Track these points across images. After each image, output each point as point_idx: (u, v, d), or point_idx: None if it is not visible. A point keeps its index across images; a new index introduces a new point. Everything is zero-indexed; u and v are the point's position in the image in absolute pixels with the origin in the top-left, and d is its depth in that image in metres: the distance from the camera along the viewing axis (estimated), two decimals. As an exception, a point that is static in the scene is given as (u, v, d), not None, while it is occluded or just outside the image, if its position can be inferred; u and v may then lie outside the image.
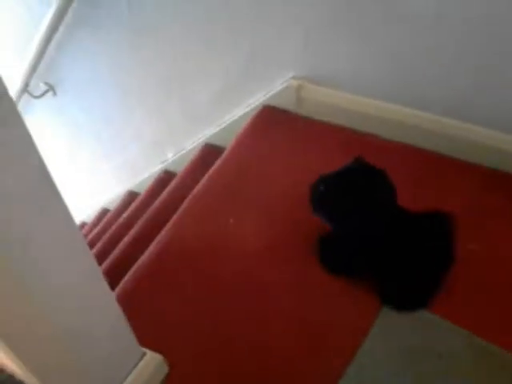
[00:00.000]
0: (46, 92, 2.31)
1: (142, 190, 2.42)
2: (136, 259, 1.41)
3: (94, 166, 2.74)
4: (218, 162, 1.58)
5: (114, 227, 2.13)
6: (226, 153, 1.62)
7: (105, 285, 0.84)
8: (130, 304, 1.21)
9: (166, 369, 1.08)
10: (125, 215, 2.19)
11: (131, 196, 2.54)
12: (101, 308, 0.87)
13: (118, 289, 1.27)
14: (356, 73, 1.49)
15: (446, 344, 1.11)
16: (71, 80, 2.28)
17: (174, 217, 1.43)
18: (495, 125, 1.31)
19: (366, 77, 1.47)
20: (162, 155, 2.26)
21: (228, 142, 1.85)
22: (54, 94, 2.33)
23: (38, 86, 2.30)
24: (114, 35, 1.93)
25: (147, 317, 1.21)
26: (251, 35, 1.58)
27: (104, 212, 2.85)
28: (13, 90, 2.32)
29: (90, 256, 0.78)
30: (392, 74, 1.41)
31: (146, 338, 1.07)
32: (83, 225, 3.12)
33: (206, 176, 1.54)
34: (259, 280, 1.25)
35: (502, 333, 1.09)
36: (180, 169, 2.14)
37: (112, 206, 2.73)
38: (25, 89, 2.29)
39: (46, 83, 2.30)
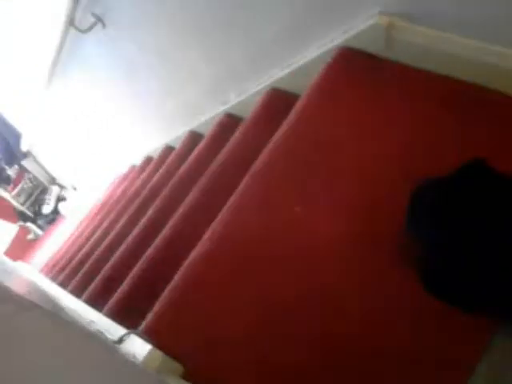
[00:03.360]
0: (94, 25, 2.05)
1: (204, 131, 2.19)
2: (187, 240, 1.22)
3: (152, 102, 2.50)
4: (284, 127, 1.28)
5: (173, 181, 1.94)
6: (293, 112, 1.32)
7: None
8: (177, 316, 1.05)
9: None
10: (185, 166, 1.98)
11: (193, 137, 2.32)
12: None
13: (164, 296, 1.08)
14: (463, 7, 1.08)
15: None
16: (120, 9, 2.00)
17: (231, 203, 1.19)
18: None
19: (476, 12, 1.06)
20: (223, 96, 1.98)
21: (297, 88, 1.55)
22: (103, 25, 2.07)
23: (86, 19, 2.04)
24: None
25: (197, 332, 1.02)
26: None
27: (168, 149, 2.68)
28: (59, 26, 2.09)
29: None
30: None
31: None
32: (149, 160, 2.99)
33: (269, 146, 1.26)
34: (334, 291, 1.01)
35: None
36: (244, 112, 1.87)
37: (175, 144, 2.55)
38: (71, 23, 2.05)
39: (94, 15, 2.03)
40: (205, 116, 2.19)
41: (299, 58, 1.51)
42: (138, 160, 3.21)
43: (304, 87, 1.38)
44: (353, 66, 1.32)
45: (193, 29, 1.76)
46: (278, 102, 1.64)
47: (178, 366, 0.95)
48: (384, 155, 1.14)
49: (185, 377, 0.95)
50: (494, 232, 0.79)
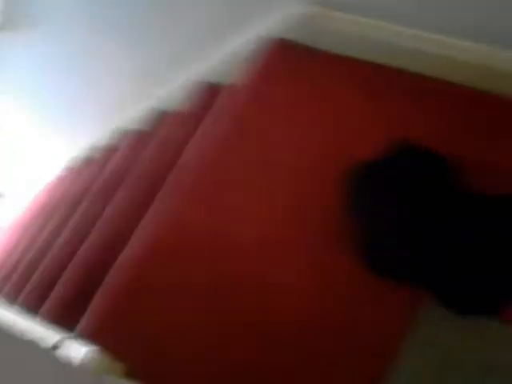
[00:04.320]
0: (7, 25, 1.96)
1: (133, 127, 2.15)
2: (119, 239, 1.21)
3: (74, 102, 2.43)
4: (211, 118, 1.29)
5: (99, 181, 1.91)
6: (220, 103, 1.33)
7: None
8: (112, 315, 1.04)
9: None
10: (112, 165, 1.95)
11: (122, 135, 2.27)
12: None
13: (97, 297, 1.07)
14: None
15: (502, 355, 0.91)
16: (38, 10, 1.92)
17: (159, 199, 1.19)
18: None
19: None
20: (148, 91, 1.96)
21: (225, 80, 1.55)
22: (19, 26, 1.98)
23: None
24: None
25: (135, 328, 1.02)
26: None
27: (98, 150, 2.61)
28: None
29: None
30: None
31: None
32: (79, 162, 2.91)
33: (197, 137, 1.27)
34: (266, 278, 1.04)
35: None
36: (171, 107, 1.86)
37: (105, 142, 2.49)
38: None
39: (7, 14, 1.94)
40: (132, 112, 2.15)
41: (225, 51, 1.51)
42: (67, 163, 3.11)
43: (229, 79, 1.39)
44: (279, 58, 1.33)
45: (111, 25, 1.73)
46: (203, 94, 1.64)
47: (118, 365, 0.94)
48: (317, 143, 1.16)
49: (127, 374, 0.94)
50: (426, 213, 0.86)
